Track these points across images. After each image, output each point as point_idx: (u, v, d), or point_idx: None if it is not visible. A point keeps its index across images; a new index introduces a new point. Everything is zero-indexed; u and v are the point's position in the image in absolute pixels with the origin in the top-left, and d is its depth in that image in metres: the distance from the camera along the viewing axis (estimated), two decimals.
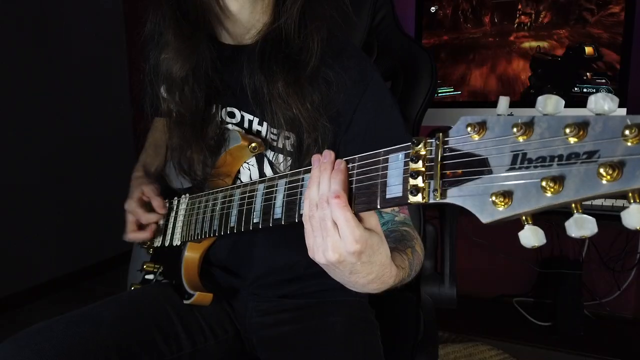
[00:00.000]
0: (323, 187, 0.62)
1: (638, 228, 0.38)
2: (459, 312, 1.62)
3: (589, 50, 1.99)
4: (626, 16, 1.93)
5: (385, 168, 0.57)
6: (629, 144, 0.36)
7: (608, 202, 1.76)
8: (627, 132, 0.36)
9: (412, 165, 0.52)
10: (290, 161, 0.95)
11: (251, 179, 0.98)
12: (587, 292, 2.37)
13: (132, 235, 1.10)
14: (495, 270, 2.59)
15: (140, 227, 1.11)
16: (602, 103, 0.38)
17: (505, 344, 2.22)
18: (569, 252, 2.43)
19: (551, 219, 1.92)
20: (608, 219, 1.67)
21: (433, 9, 2.23)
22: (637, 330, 2.30)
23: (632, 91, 1.98)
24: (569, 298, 2.24)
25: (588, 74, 2.00)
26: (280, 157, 0.96)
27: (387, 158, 0.57)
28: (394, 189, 0.55)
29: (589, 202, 1.37)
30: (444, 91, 2.26)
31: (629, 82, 1.96)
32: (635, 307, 2.36)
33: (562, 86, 2.06)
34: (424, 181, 0.51)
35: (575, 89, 2.04)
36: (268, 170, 0.99)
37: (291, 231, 0.73)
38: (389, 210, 0.89)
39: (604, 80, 1.99)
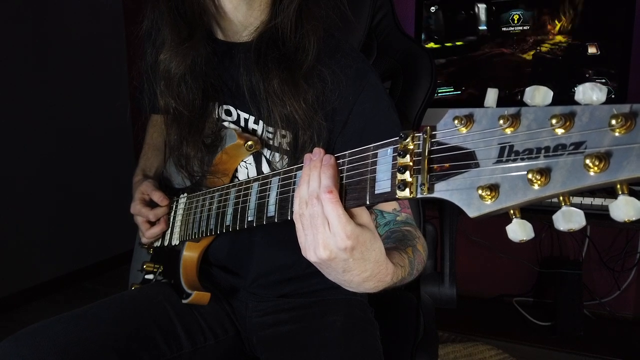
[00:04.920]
0: (313, 184, 0.62)
1: (626, 220, 0.37)
2: (459, 312, 1.62)
3: (592, 49, 1.99)
4: (626, 15, 1.92)
5: (375, 163, 0.57)
6: (616, 134, 0.36)
7: (608, 202, 1.75)
8: (613, 121, 0.35)
9: (400, 160, 0.51)
10: (287, 160, 0.95)
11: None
12: (587, 292, 2.36)
13: (148, 233, 1.09)
14: (495, 270, 2.58)
15: (152, 225, 1.11)
16: (591, 93, 0.38)
17: (505, 344, 2.21)
18: (569, 252, 2.43)
19: (550, 219, 1.91)
20: (608, 219, 1.66)
21: (433, 8, 2.22)
22: (637, 330, 2.29)
23: (632, 91, 1.97)
24: (569, 298, 2.23)
25: (590, 71, 2.00)
26: (277, 155, 0.96)
27: (377, 153, 0.57)
28: (383, 184, 0.55)
29: (589, 202, 1.36)
30: (444, 91, 2.26)
31: (628, 82, 1.96)
32: (635, 307, 2.36)
33: (562, 86, 2.05)
34: (411, 176, 0.51)
35: (575, 89, 2.03)
36: (266, 169, 0.99)
37: (290, 230, 0.72)
38: (390, 210, 0.89)
39: (604, 80, 1.98)
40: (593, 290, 2.38)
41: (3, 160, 2.60)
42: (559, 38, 2.03)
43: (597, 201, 1.72)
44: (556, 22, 2.03)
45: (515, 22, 2.09)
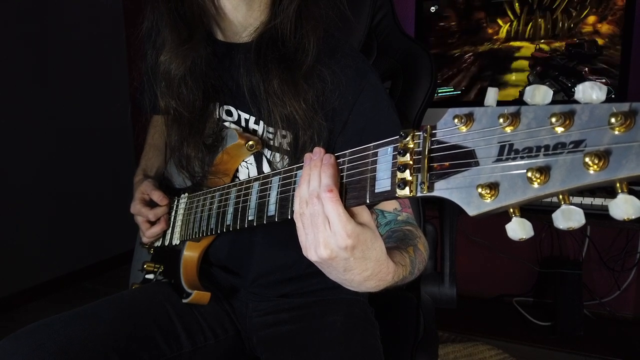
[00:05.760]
0: (313, 183, 0.62)
1: (625, 219, 0.37)
2: (459, 312, 1.62)
3: (588, 46, 1.99)
4: (626, 15, 1.92)
5: (375, 162, 0.57)
6: (616, 132, 0.36)
7: (608, 202, 1.74)
8: (613, 120, 0.35)
9: (400, 159, 0.51)
10: (287, 160, 0.95)
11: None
12: (587, 292, 2.36)
13: (149, 232, 1.09)
14: (495, 270, 2.58)
15: (152, 224, 1.11)
16: (590, 92, 0.38)
17: (505, 344, 2.21)
18: (569, 252, 2.43)
19: (550, 219, 1.90)
20: (608, 218, 1.65)
21: (433, 9, 2.22)
22: (637, 330, 2.29)
23: (632, 91, 1.97)
24: (569, 298, 2.23)
25: (586, 69, 2.00)
26: (277, 156, 0.96)
27: (377, 152, 0.57)
28: (383, 183, 0.55)
29: (589, 202, 1.36)
30: (444, 91, 2.26)
31: (628, 82, 1.96)
32: (635, 307, 2.36)
33: (561, 85, 2.06)
34: (411, 174, 0.51)
35: (575, 88, 2.03)
36: (266, 169, 0.99)
37: (291, 229, 0.72)
38: (391, 209, 0.89)
39: (604, 80, 1.98)
40: (593, 290, 2.38)
41: (3, 160, 2.60)
42: (559, 37, 2.03)
43: (597, 201, 1.72)
44: (556, 21, 2.03)
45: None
